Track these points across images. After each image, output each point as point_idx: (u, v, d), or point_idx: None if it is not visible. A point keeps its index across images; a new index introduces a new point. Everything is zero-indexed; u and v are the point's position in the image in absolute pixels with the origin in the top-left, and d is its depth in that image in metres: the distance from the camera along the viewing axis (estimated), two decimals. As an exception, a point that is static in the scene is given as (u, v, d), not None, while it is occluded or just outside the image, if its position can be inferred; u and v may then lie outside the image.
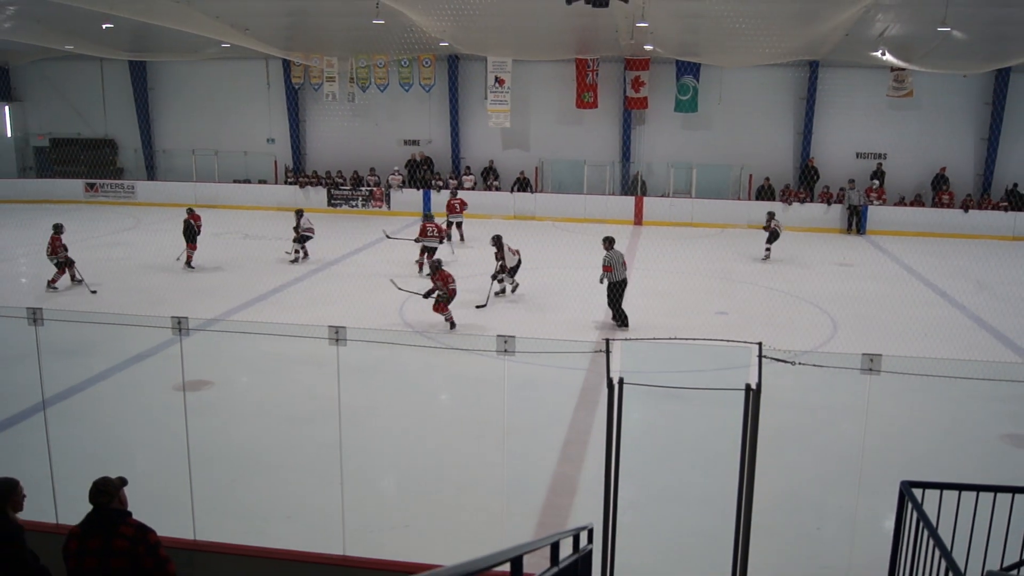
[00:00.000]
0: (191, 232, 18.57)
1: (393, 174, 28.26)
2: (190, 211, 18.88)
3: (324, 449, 8.16)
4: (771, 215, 20.91)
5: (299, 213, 19.73)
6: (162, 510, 5.78)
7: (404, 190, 27.81)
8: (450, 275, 13.84)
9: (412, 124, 29.43)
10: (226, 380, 11.34)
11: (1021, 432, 9.92)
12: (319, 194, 28.33)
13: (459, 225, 22.36)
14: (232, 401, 10.71)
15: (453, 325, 13.70)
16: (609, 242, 14.29)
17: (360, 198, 28.11)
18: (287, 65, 28.97)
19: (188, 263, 18.52)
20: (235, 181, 29.40)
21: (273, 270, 18.18)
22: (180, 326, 6.60)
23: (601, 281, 14.07)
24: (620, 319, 13.89)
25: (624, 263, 14.18)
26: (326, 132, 29.78)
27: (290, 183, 28.95)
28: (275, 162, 29.92)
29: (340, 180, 28.70)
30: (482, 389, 10.88)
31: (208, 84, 29.85)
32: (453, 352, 10.82)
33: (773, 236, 20.40)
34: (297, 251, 19.34)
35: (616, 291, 13.94)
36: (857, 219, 25.53)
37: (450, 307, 13.76)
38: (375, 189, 28.09)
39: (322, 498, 7.73)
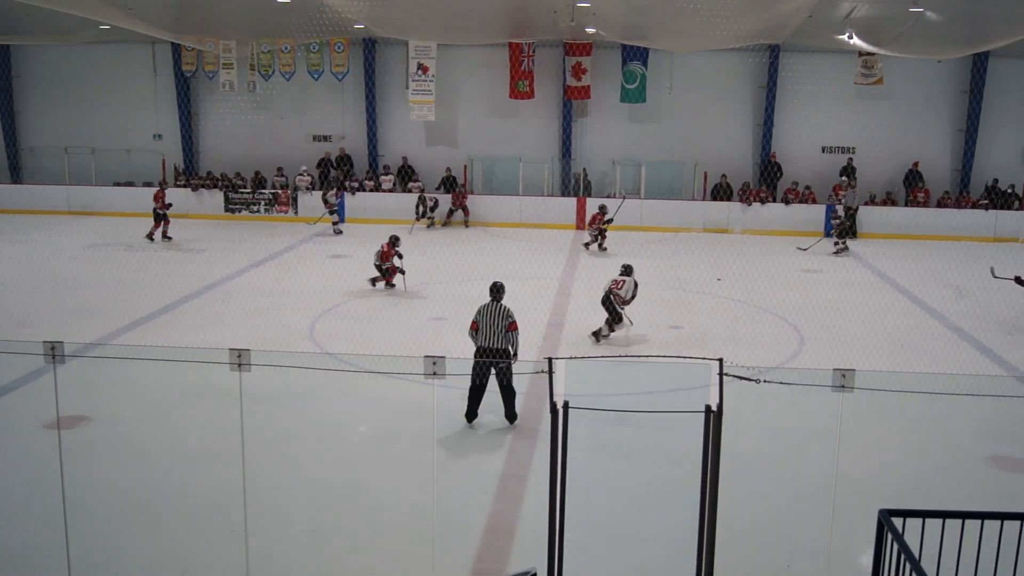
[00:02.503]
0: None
1: (301, 174, 28.01)
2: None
3: (225, 493, 8.02)
4: (835, 211, 23.02)
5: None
6: (33, 570, 5.61)
7: (314, 193, 27.60)
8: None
9: (323, 118, 29.25)
10: (108, 415, 11.04)
11: (1007, 453, 10.19)
12: (215, 198, 27.94)
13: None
14: (115, 440, 10.43)
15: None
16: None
17: (263, 202, 27.79)
18: (177, 50, 28.51)
19: (164, 235, 22.85)
20: (116, 184, 28.77)
21: (162, 286, 17.85)
22: (53, 352, 6.43)
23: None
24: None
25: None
26: (223, 127, 29.32)
27: (181, 186, 28.45)
28: (163, 162, 29.39)
29: (240, 182, 28.34)
30: (407, 418, 10.80)
31: (84, 72, 29.21)
32: (374, 376, 10.74)
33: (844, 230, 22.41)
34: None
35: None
36: (852, 222, 26.02)
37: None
38: (280, 192, 27.80)
39: (223, 550, 7.58)
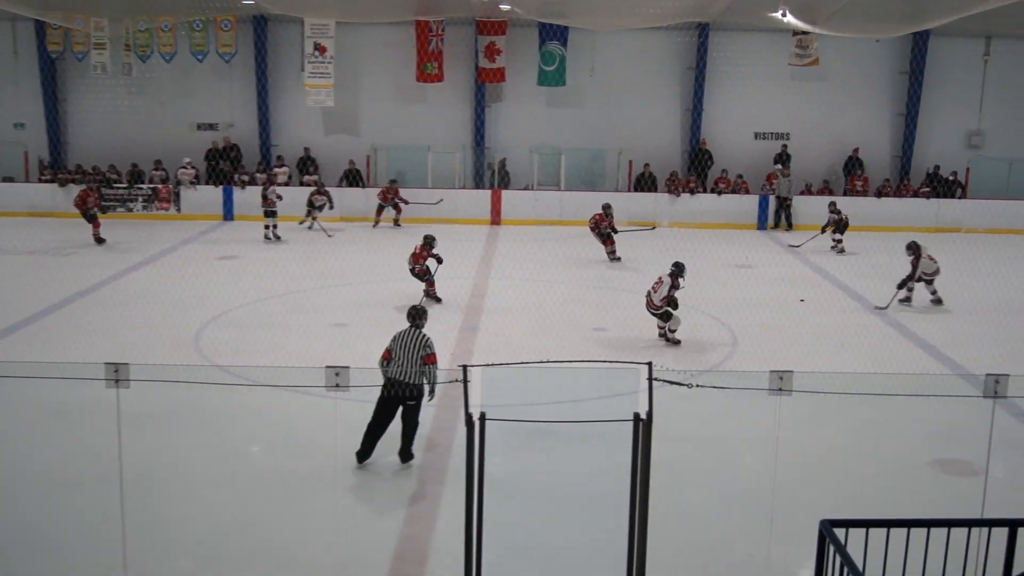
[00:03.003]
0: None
1: (184, 167, 27.54)
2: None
3: (102, 524, 7.85)
4: (833, 205, 23.47)
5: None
6: None
7: (199, 188, 27.16)
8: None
9: (209, 104, 28.82)
10: (-35, 439, 10.76)
11: (952, 456, 10.50)
12: (87, 195, 27.30)
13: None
14: (-27, 467, 10.16)
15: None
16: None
17: (140, 199, 27.23)
18: (41, 28, 27.79)
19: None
20: (-30, 178, 28.04)
21: (25, 294, 17.39)
22: (-102, 369, 6.23)
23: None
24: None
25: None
26: (95, 115, 28.68)
27: (47, 181, 27.79)
28: (25, 154, 28.68)
29: (114, 176, 27.73)
30: (307, 436, 10.70)
31: (-68, 54, 28.37)
32: (269, 390, 10.60)
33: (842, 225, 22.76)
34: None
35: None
36: (787, 213, 26.58)
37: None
38: (160, 187, 27.29)
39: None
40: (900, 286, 17.18)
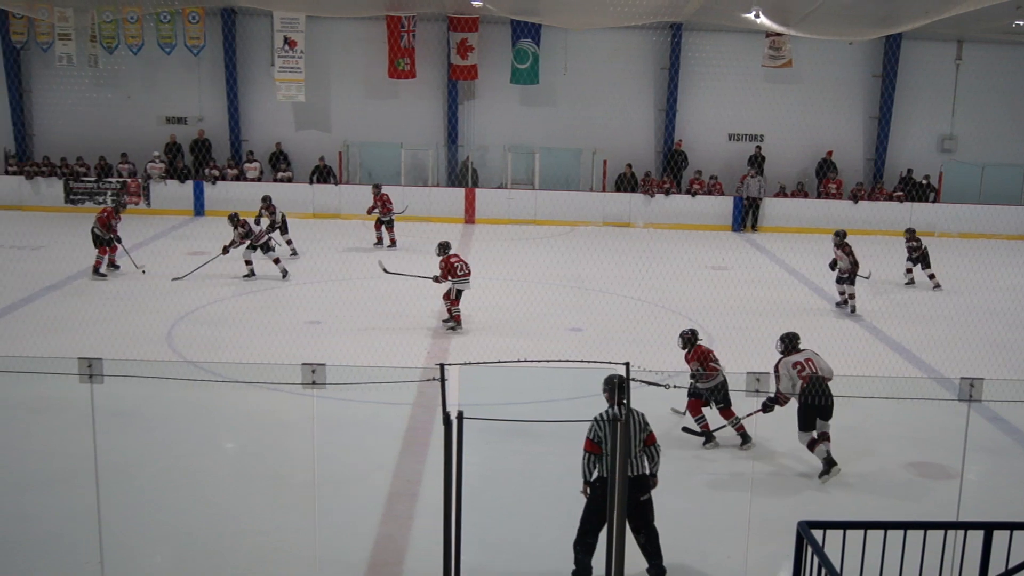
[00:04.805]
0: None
1: (153, 161, 27.39)
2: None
3: (74, 521, 7.84)
4: (911, 232, 20.03)
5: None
6: None
7: (168, 182, 27.02)
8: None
9: (177, 97, 28.63)
10: (-68, 435, 10.69)
11: (927, 459, 10.64)
12: (53, 187, 27.09)
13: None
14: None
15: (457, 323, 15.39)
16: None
17: (109, 192, 27.06)
18: (4, 18, 27.52)
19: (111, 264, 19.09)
20: (-67, 172, 27.74)
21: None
22: None
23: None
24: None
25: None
26: (61, 107, 28.44)
27: (12, 173, 27.56)
28: (-9, 145, 28.46)
29: (82, 169, 27.54)
30: (282, 433, 10.71)
31: None
32: (244, 387, 10.61)
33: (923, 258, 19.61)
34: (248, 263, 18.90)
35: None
36: (755, 213, 26.77)
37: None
38: (129, 181, 27.13)
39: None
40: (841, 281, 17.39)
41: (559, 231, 25.64)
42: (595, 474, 7.55)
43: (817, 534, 5.58)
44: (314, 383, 6.79)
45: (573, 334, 15.47)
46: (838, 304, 17.60)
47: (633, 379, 6.90)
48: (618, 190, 27.45)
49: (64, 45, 26.89)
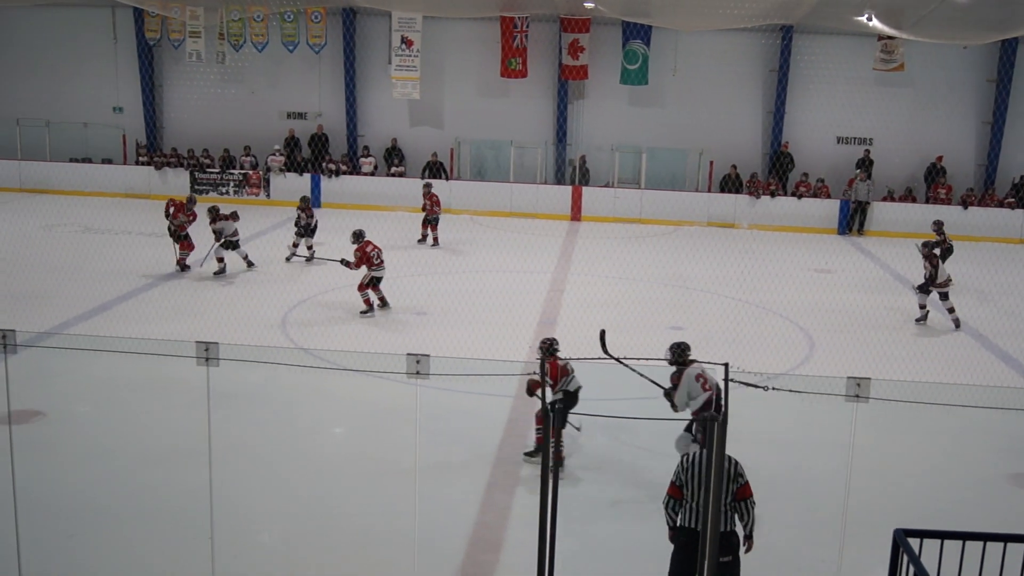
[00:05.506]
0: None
1: (273, 155, 27.98)
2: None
3: (188, 497, 8.02)
4: (939, 224, 19.43)
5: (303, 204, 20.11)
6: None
7: (287, 175, 27.55)
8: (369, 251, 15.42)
9: (298, 93, 29.20)
10: (62, 410, 11.05)
11: (1030, 471, 10.29)
12: (180, 177, 27.82)
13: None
14: (70, 437, 10.44)
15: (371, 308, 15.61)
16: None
17: (232, 183, 27.73)
18: (139, 16, 28.42)
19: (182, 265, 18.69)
20: (72, 160, 28.71)
21: (121, 272, 17.80)
22: (4, 341, 6.43)
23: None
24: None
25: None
26: (189, 101, 29.23)
27: (143, 163, 28.41)
28: (123, 137, 29.30)
29: (207, 161, 28.27)
30: (386, 420, 10.82)
31: (39, 38, 29.08)
32: (350, 374, 10.74)
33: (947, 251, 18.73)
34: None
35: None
36: (861, 217, 26.19)
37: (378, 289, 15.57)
38: (251, 173, 27.75)
39: (185, 558, 7.59)
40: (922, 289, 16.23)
41: (664, 230, 25.43)
42: (678, 520, 6.85)
43: (914, 543, 5.43)
44: (418, 373, 6.82)
45: (674, 332, 15.33)
46: (917, 320, 16.47)
47: (731, 379, 6.79)
48: (723, 191, 27.09)
49: (194, 42, 27.66)
